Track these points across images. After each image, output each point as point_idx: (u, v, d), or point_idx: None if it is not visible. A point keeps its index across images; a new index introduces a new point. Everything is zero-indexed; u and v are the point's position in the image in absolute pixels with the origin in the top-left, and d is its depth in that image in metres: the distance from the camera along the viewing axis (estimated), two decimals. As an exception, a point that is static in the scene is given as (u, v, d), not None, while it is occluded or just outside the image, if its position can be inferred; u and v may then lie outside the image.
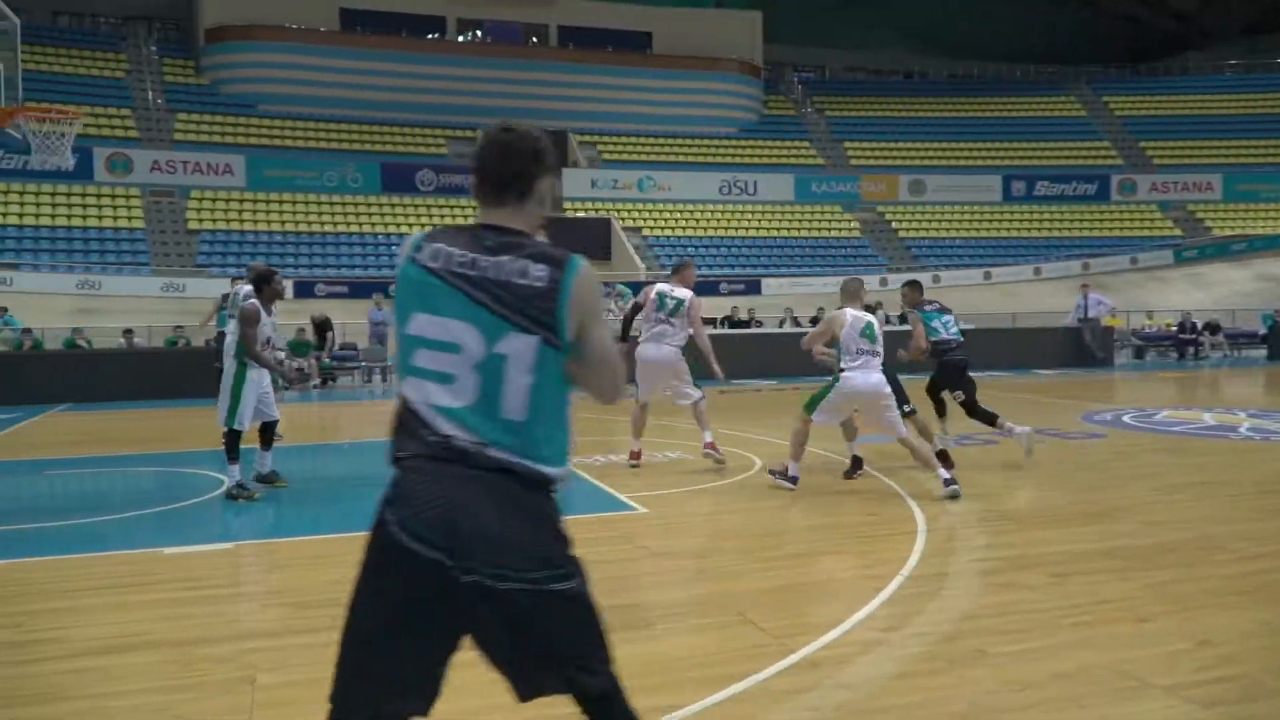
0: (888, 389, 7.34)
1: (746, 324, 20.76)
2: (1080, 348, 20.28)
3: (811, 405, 7.45)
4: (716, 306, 26.41)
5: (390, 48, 42.75)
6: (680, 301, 8.35)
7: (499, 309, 2.11)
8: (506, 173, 2.24)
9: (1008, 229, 43.98)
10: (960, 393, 8.97)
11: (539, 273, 2.13)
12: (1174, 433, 10.40)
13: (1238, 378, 19.29)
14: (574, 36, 47.02)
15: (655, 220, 41.43)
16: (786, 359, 18.48)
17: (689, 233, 41.06)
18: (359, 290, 31.18)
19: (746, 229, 41.67)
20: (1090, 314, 20.21)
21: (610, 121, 45.18)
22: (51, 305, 27.49)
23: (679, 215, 41.87)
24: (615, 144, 44.69)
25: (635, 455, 8.71)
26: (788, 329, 21.01)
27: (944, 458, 7.54)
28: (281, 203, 37.22)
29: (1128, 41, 57.59)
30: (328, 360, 18.51)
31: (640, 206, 41.77)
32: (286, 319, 19.63)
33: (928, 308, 9.01)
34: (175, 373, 15.70)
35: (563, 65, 45.01)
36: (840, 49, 53.98)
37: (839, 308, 7.48)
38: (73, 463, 9.51)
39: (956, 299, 36.61)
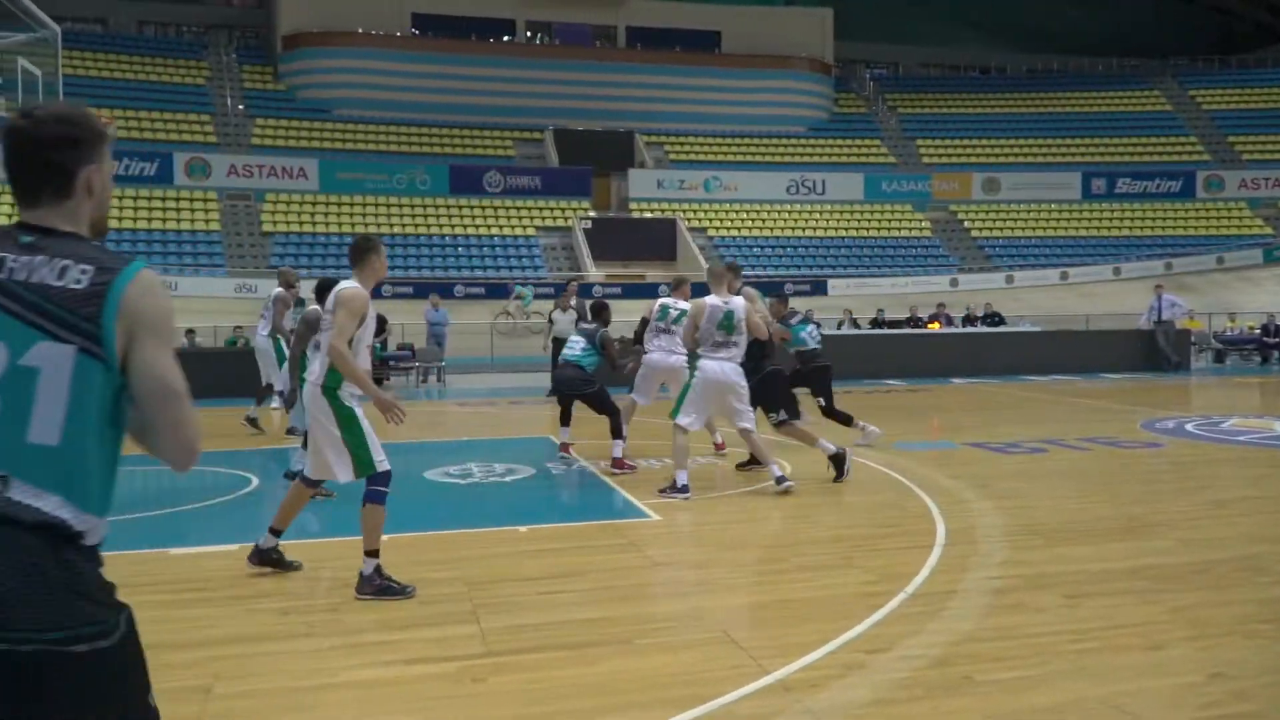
0: (743, 381, 7.37)
1: (803, 326, 20.40)
2: (1154, 352, 19.44)
3: (676, 411, 7.42)
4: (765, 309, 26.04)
5: (460, 51, 43.29)
6: (682, 313, 8.40)
7: (26, 314, 1.79)
8: (34, 165, 1.88)
9: (1086, 228, 42.57)
10: (821, 399, 9.62)
11: (80, 274, 1.81)
12: (1238, 443, 9.83)
13: (1325, 384, 18.26)
14: (642, 37, 47.00)
15: (721, 221, 41.15)
16: (841, 361, 18.13)
17: (754, 233, 40.69)
18: (424, 291, 31.54)
19: (813, 229, 41.12)
20: (1164, 316, 19.34)
21: (677, 122, 45.03)
22: (130, 305, 28.44)
23: (745, 215, 41.52)
24: (682, 144, 44.53)
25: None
26: (845, 331, 20.59)
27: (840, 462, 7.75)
28: (352, 205, 37.97)
29: (1217, 33, 55.29)
30: (379, 348, 18.75)
31: (706, 207, 41.53)
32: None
33: (793, 320, 9.47)
34: (233, 372, 16.03)
35: (630, 66, 45.02)
36: (914, 45, 52.89)
37: (710, 293, 7.44)
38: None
39: (1030, 300, 35.76)
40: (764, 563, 5.47)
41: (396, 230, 37.34)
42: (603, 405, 8.64)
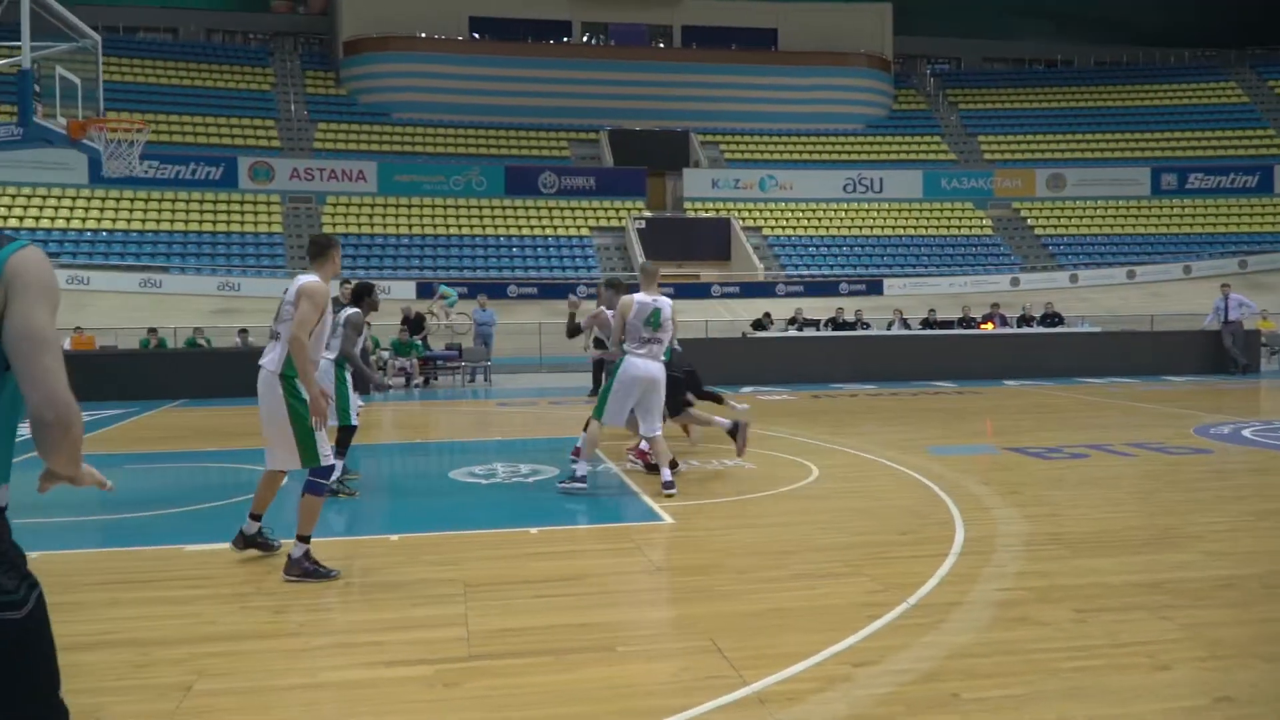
0: (663, 381, 7.44)
1: (852, 325, 20.08)
2: (1221, 354, 18.72)
3: (600, 409, 7.40)
4: (818, 308, 25.74)
5: (516, 53, 43.64)
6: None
7: None
8: None
9: (1155, 225, 41.30)
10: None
11: None
12: (1295, 449, 9.39)
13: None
14: (698, 36, 46.86)
15: (776, 220, 40.83)
16: (889, 363, 17.81)
17: (810, 232, 40.29)
18: (476, 291, 31.85)
19: (870, 228, 40.57)
20: (1232, 316, 18.59)
21: (733, 120, 44.80)
22: (194, 306, 29.27)
23: (800, 214, 41.13)
24: (738, 143, 44.29)
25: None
26: (896, 331, 20.23)
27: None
28: (409, 206, 38.52)
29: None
30: (419, 346, 18.94)
31: (761, 206, 41.25)
32: (386, 318, 20.20)
33: None
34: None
35: (686, 65, 44.92)
36: (978, 39, 51.84)
37: (643, 290, 7.54)
38: (154, 457, 9.96)
39: (1096, 299, 34.80)
40: (768, 569, 5.34)
41: (452, 231, 37.79)
42: (669, 400, 8.56)
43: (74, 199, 34.64)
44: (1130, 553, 5.59)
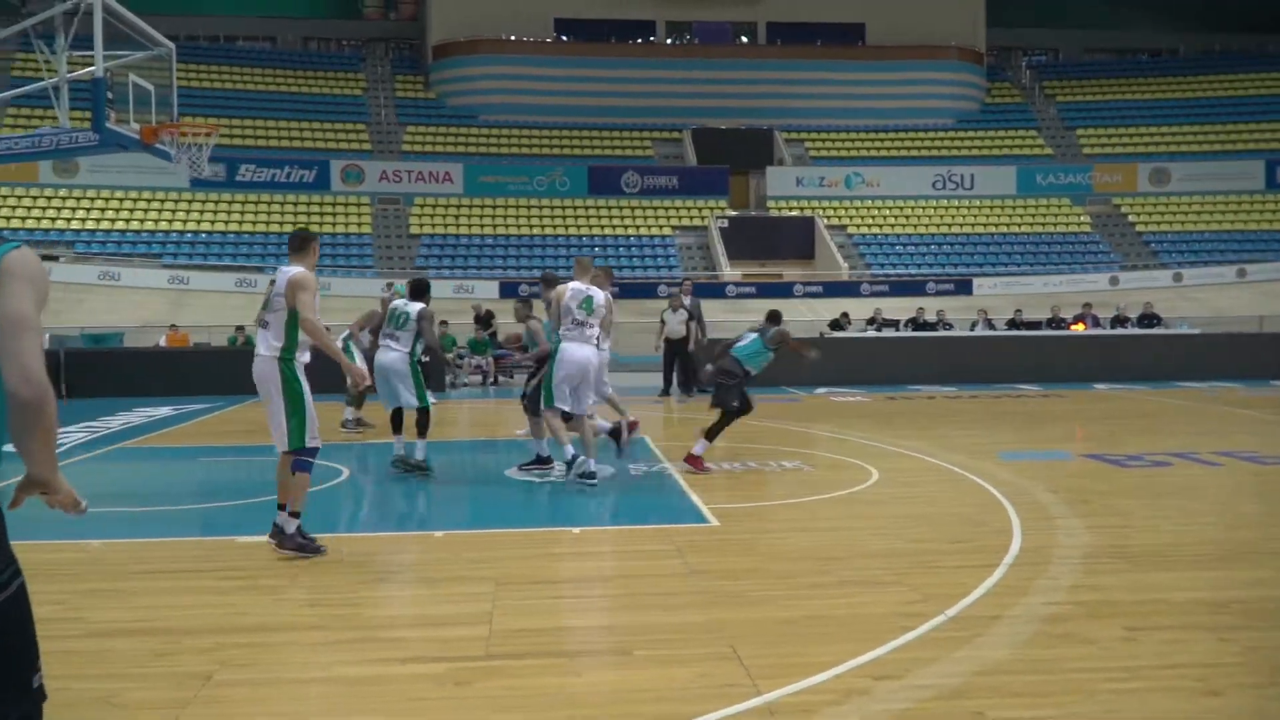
0: (595, 365, 7.58)
1: (933, 326, 19.55)
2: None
3: (548, 398, 7.48)
4: (903, 308, 25.16)
5: (600, 54, 43.84)
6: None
7: None
8: None
9: (1269, 220, 39.18)
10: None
11: None
12: (1403, 460, 8.74)
13: None
14: (783, 33, 46.34)
15: (861, 218, 40.11)
16: (971, 364, 17.23)
17: (896, 230, 39.45)
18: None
19: (959, 225, 39.53)
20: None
21: (818, 118, 44.18)
22: (286, 304, 30.13)
23: (887, 212, 40.32)
24: (823, 140, 43.65)
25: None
26: (979, 332, 19.62)
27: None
28: (494, 207, 39.04)
29: None
30: (488, 343, 19.13)
31: (846, 204, 40.57)
32: (462, 316, 20.48)
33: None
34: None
35: (771, 62, 44.48)
36: (1076, 28, 49.95)
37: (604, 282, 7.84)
38: (228, 450, 10.26)
39: (1202, 299, 33.21)
40: (808, 575, 5.19)
41: (535, 231, 38.15)
42: (721, 401, 8.47)
43: (175, 201, 36.11)
44: (1199, 568, 5.26)
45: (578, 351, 7.40)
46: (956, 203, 40.62)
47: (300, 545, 5.47)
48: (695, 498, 7.28)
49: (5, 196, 34.28)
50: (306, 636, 4.31)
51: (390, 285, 18.35)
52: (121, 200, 35.63)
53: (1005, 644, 4.08)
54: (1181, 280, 35.56)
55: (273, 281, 5.73)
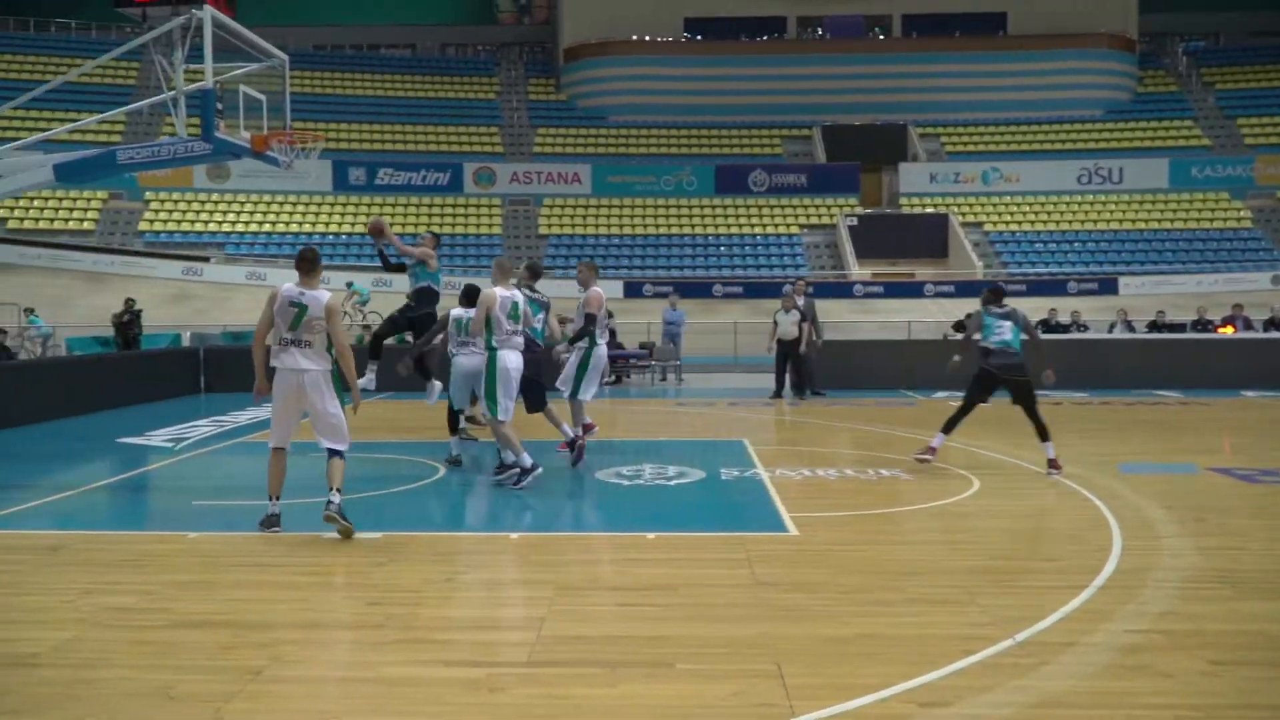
0: (521, 370, 7.64)
1: (1067, 328, 18.57)
2: None
3: (491, 406, 7.52)
4: (1041, 309, 23.94)
5: (730, 52, 43.67)
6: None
7: None
8: None
9: None
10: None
11: None
12: None
13: None
14: (919, 25, 45.07)
15: (999, 215, 38.59)
16: (1107, 369, 16.27)
17: (1036, 227, 37.77)
18: (684, 290, 32.11)
19: (1105, 221, 37.52)
20: None
21: (955, 111, 42.78)
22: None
23: (1026, 208, 38.66)
24: (960, 135, 42.23)
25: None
26: (1118, 334, 18.51)
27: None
28: (621, 207, 39.41)
29: None
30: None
31: (983, 200, 39.12)
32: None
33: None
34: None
35: (905, 56, 43.34)
36: (1238, 11, 46.66)
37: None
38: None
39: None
40: (877, 590, 4.99)
41: (661, 231, 38.31)
42: (1028, 399, 8.36)
43: (319, 205, 37.94)
44: (1315, 599, 4.79)
45: (512, 359, 7.62)
46: (1103, 197, 38.58)
47: (343, 515, 6.02)
48: (780, 505, 7.12)
49: (163, 200, 36.79)
50: (361, 635, 4.42)
51: (350, 284, 18.80)
52: (269, 204, 37.70)
53: (1070, 674, 3.82)
54: (1357, 280, 32.74)
55: (293, 303, 5.98)
